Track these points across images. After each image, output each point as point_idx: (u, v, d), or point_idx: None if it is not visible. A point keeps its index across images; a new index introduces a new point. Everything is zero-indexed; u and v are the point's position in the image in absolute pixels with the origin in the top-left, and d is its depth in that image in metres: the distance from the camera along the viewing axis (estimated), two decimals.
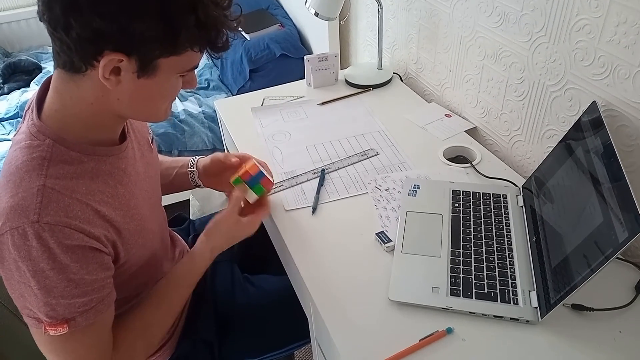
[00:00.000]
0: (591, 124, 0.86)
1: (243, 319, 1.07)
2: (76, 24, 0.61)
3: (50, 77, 0.73)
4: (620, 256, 0.87)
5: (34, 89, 2.29)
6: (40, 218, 0.65)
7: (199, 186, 1.11)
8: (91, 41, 0.63)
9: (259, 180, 0.95)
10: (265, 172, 0.96)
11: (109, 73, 0.66)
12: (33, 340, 0.74)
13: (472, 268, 0.87)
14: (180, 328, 1.03)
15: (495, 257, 0.89)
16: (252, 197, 0.95)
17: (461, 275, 0.86)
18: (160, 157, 1.08)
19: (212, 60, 2.51)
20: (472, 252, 0.91)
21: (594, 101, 0.88)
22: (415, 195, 1.05)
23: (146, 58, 0.66)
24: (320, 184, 1.11)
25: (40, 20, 0.65)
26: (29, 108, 0.75)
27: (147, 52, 0.66)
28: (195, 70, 0.77)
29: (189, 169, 1.09)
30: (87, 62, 0.66)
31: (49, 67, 2.45)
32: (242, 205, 0.96)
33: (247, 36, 2.27)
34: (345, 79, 1.54)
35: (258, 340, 1.08)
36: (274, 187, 1.09)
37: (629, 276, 0.86)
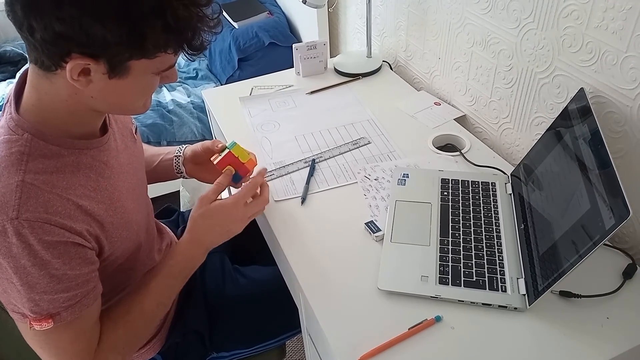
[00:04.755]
0: (579, 111, 0.85)
1: (233, 309, 1.07)
2: (38, 27, 0.60)
3: (27, 70, 0.71)
4: (607, 242, 0.88)
5: None
6: (20, 214, 0.64)
7: (181, 173, 1.09)
8: (55, 44, 0.61)
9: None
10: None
11: (78, 75, 0.64)
12: (20, 335, 0.74)
13: (461, 256, 0.88)
14: (171, 319, 1.02)
15: (484, 245, 0.89)
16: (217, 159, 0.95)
17: (450, 264, 0.86)
18: (147, 146, 1.06)
19: None
20: (461, 240, 0.91)
21: (582, 88, 0.88)
22: (404, 184, 1.05)
23: (115, 61, 0.64)
24: (311, 174, 1.10)
25: (7, 17, 0.63)
26: (7, 101, 0.74)
27: (115, 55, 0.64)
28: (183, 60, 0.75)
29: (176, 155, 1.08)
30: (55, 63, 0.64)
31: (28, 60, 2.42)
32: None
33: (235, 24, 2.24)
34: (335, 68, 1.52)
35: (249, 330, 1.08)
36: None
37: (616, 262, 0.86)
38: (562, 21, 0.92)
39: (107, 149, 0.80)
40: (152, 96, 0.79)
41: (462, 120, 1.28)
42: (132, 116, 0.98)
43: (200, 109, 2.11)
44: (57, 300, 0.69)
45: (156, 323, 0.87)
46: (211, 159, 0.95)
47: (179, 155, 1.08)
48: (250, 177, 0.98)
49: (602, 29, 0.85)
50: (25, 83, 0.71)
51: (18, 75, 2.36)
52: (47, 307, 0.69)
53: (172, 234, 1.14)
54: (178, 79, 2.38)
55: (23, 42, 2.30)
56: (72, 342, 0.73)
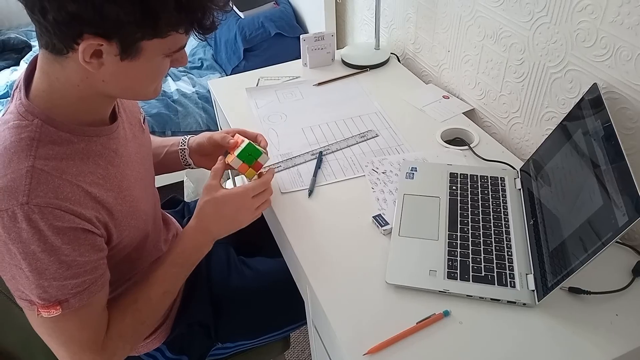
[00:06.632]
0: (591, 106, 0.84)
1: (239, 301, 1.07)
2: (51, 7, 0.59)
3: (37, 56, 0.71)
4: (617, 239, 0.87)
5: (23, 67, 2.24)
6: (30, 200, 0.64)
7: (189, 165, 1.09)
8: (68, 25, 0.60)
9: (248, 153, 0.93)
10: (256, 145, 0.94)
11: (90, 57, 0.64)
12: (27, 322, 0.74)
13: (470, 251, 0.87)
14: (176, 311, 1.02)
15: (493, 240, 0.89)
16: (236, 163, 0.93)
17: (458, 259, 0.86)
18: (151, 137, 1.06)
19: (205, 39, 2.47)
20: (470, 235, 0.90)
21: (595, 83, 0.87)
22: (412, 178, 1.04)
23: (127, 41, 0.64)
24: (318, 166, 1.10)
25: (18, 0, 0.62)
26: (17, 87, 0.73)
27: (128, 35, 0.63)
28: (188, 49, 0.75)
29: (180, 147, 1.07)
30: (67, 45, 0.63)
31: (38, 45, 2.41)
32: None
33: (241, 14, 2.22)
34: (342, 59, 1.51)
35: (254, 322, 1.08)
36: (265, 166, 1.07)
37: (626, 259, 0.86)
38: (577, 15, 0.91)
39: (116, 137, 0.79)
40: None
41: (471, 114, 1.27)
42: (139, 105, 0.97)
43: (205, 99, 2.10)
44: (66, 286, 0.69)
45: (163, 311, 0.87)
46: (227, 161, 0.94)
47: (184, 148, 1.07)
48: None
49: (617, 24, 0.84)
50: (35, 69, 0.71)
51: (23, 62, 2.35)
52: (55, 293, 0.68)
53: (178, 224, 1.14)
54: (183, 69, 2.36)
55: (27, 29, 2.30)
56: (80, 330, 0.73)
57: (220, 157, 0.95)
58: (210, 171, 0.94)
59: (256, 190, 0.90)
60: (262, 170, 0.97)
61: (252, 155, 0.94)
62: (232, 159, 0.93)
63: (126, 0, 0.60)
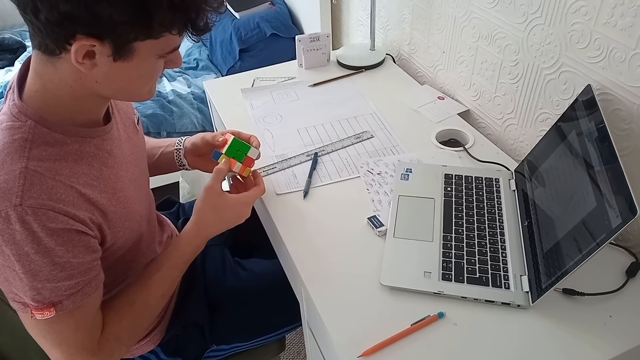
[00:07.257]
0: (585, 108, 0.85)
1: (234, 302, 1.07)
2: (43, 7, 0.59)
3: (31, 57, 0.70)
4: (611, 240, 0.87)
5: (18, 67, 2.24)
6: (23, 201, 0.64)
7: (184, 166, 1.09)
8: (60, 25, 0.60)
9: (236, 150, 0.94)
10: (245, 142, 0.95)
11: (82, 57, 0.64)
12: (21, 324, 0.73)
13: (464, 252, 0.87)
14: (171, 312, 1.02)
15: (487, 241, 0.89)
16: (227, 163, 0.94)
17: (453, 260, 0.86)
18: (146, 138, 1.06)
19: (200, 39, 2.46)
20: (464, 236, 0.90)
21: (589, 84, 0.87)
22: (407, 179, 1.04)
23: (120, 42, 0.64)
24: (313, 167, 1.09)
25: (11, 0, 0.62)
26: (10, 88, 0.73)
27: (121, 36, 0.63)
28: (184, 50, 0.75)
29: (176, 147, 1.07)
30: (60, 46, 0.63)
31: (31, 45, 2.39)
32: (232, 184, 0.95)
33: (236, 15, 2.22)
34: (337, 60, 1.51)
35: (249, 323, 1.08)
36: (255, 166, 1.07)
37: (620, 260, 0.86)
38: (570, 17, 0.91)
39: (110, 138, 0.79)
40: None
41: (465, 115, 1.27)
42: (133, 105, 0.97)
43: (200, 99, 2.10)
44: (60, 288, 0.69)
45: (158, 312, 0.87)
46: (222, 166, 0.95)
47: (180, 149, 1.07)
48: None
49: (610, 25, 0.84)
50: (29, 70, 0.70)
51: (17, 62, 2.34)
52: (49, 295, 0.68)
53: (173, 226, 1.14)
54: (178, 69, 2.35)
55: (21, 29, 2.28)
56: (74, 331, 0.73)
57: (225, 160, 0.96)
58: (205, 172, 0.94)
59: (255, 197, 0.93)
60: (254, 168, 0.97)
61: (241, 151, 0.94)
62: (222, 159, 0.93)
63: (119, 0, 0.60)
